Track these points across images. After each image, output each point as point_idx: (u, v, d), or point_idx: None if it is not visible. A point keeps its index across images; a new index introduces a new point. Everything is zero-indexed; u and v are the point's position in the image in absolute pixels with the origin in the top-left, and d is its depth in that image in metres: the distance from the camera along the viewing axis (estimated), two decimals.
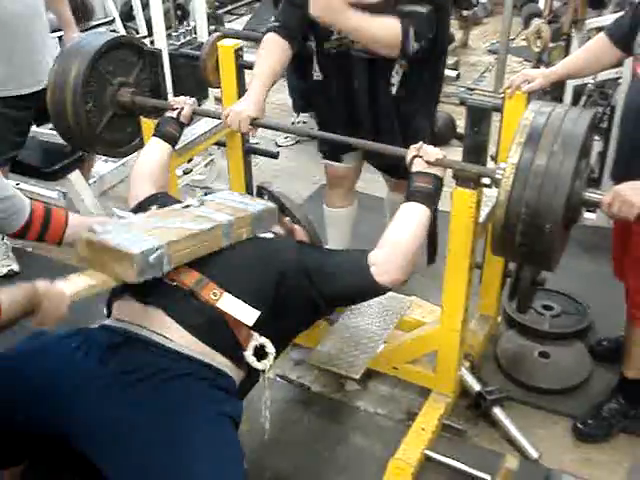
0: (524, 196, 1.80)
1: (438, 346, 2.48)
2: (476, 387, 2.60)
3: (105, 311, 1.92)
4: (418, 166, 2.06)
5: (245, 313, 1.80)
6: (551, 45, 5.00)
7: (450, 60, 4.82)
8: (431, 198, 2.04)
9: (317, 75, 2.74)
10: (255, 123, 2.46)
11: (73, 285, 1.66)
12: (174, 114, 2.47)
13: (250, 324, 1.80)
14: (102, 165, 4.19)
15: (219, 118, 2.55)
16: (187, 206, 2.15)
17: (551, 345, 2.92)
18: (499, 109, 2.44)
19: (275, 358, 1.88)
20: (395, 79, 2.58)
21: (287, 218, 2.29)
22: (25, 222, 1.90)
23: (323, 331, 2.68)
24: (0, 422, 1.63)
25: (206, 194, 3.66)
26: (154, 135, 2.46)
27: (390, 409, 2.70)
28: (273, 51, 2.55)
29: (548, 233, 1.81)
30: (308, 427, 2.64)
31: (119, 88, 2.62)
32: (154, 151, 2.42)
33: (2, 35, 3.03)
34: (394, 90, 2.60)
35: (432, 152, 2.06)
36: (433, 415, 2.48)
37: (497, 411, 2.57)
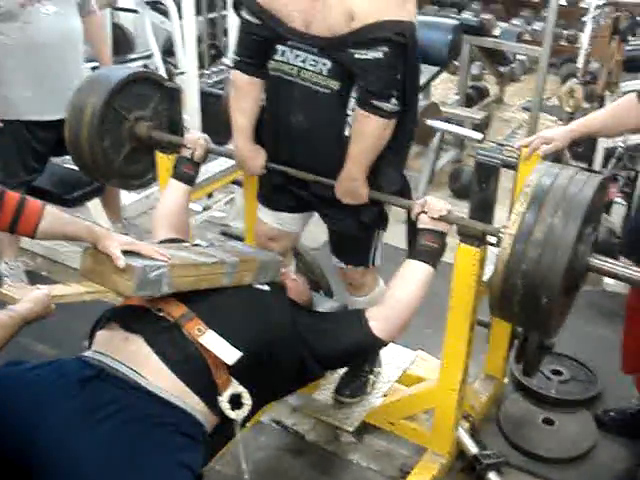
0: (521, 267, 1.76)
1: (435, 404, 2.41)
2: (473, 450, 2.52)
3: (86, 343, 1.91)
4: (424, 222, 2.06)
5: (226, 352, 1.77)
6: (585, 106, 4.97)
7: (479, 115, 4.79)
8: (436, 257, 2.07)
9: (262, 99, 2.37)
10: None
11: (58, 289, 1.70)
12: (188, 154, 2.47)
13: (230, 363, 1.76)
14: (125, 196, 4.21)
15: (233, 158, 2.54)
16: (196, 245, 2.18)
17: (556, 412, 2.83)
18: (513, 167, 2.40)
19: (252, 413, 1.84)
20: (351, 117, 2.18)
21: (287, 271, 2.32)
22: None
23: (322, 378, 2.64)
24: None
25: (222, 233, 3.70)
26: (172, 176, 2.47)
27: (383, 465, 2.63)
28: (245, 93, 2.32)
29: (545, 305, 1.77)
30: (299, 477, 2.58)
31: (136, 122, 2.63)
32: (171, 194, 2.44)
33: (36, 60, 3.11)
34: (347, 130, 2.21)
35: (437, 207, 2.05)
36: (426, 475, 2.41)
37: (492, 476, 2.48)
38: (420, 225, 2.06)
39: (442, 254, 2.08)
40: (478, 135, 4.30)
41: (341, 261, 2.49)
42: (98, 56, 3.54)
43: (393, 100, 2.08)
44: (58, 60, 3.15)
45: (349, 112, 2.18)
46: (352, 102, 2.17)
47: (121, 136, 2.63)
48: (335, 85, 2.14)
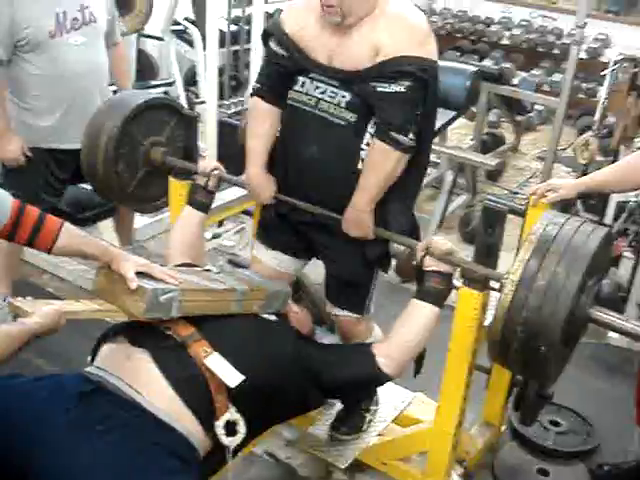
0: (522, 314, 1.75)
1: (429, 447, 2.40)
2: None
3: (89, 357, 1.92)
4: (429, 264, 2.07)
5: (230, 375, 1.80)
6: (599, 159, 4.98)
7: (493, 161, 4.81)
8: (442, 298, 2.09)
9: (278, 131, 2.39)
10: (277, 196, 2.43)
11: (70, 305, 1.80)
12: (203, 182, 2.49)
13: (232, 386, 1.78)
14: (136, 219, 4.24)
15: (245, 187, 2.56)
16: (207, 270, 2.20)
17: (552, 463, 2.81)
18: (520, 213, 2.42)
19: (245, 442, 1.85)
20: (364, 152, 2.21)
21: (290, 303, 2.34)
22: (12, 223, 1.85)
23: (318, 413, 2.63)
24: None
25: (229, 261, 3.72)
26: (187, 203, 2.49)
27: None
28: (262, 120, 2.36)
29: (544, 353, 1.76)
30: None
31: (151, 147, 2.66)
32: (186, 221, 2.47)
33: (62, 90, 3.15)
34: (360, 164, 2.22)
35: (441, 248, 2.05)
36: None
37: None
38: (426, 266, 2.07)
39: (448, 295, 2.10)
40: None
41: (335, 306, 2.48)
42: (118, 83, 3.59)
43: (410, 135, 2.12)
44: (84, 90, 3.19)
45: (363, 146, 2.21)
46: (367, 136, 2.20)
47: (136, 160, 2.66)
48: (352, 117, 2.18)
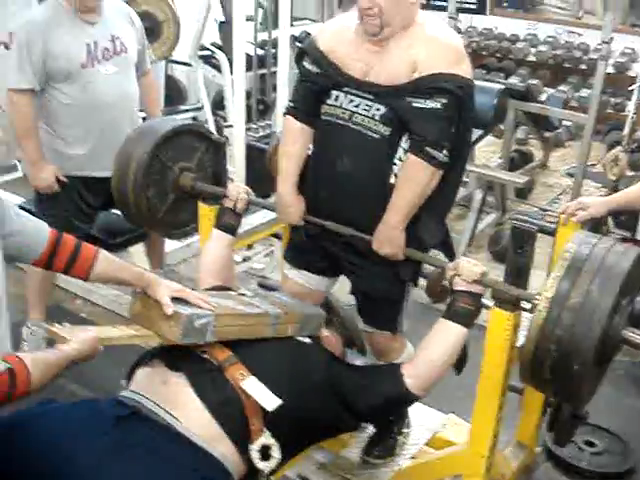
0: (555, 333, 1.75)
1: (463, 470, 2.37)
2: None
3: (124, 382, 1.94)
4: (459, 284, 2.06)
5: (267, 398, 1.81)
6: (629, 174, 4.93)
7: (522, 179, 4.79)
8: (471, 318, 2.07)
9: (310, 148, 2.40)
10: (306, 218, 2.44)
11: (106, 331, 1.84)
12: (231, 205, 2.52)
13: (270, 409, 1.79)
14: (166, 243, 4.28)
15: (274, 210, 2.58)
16: (242, 294, 2.22)
17: None
18: (550, 232, 2.40)
19: (278, 467, 1.85)
20: (397, 167, 2.22)
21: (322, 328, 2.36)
22: (49, 253, 1.89)
23: (350, 436, 2.62)
24: None
25: (260, 284, 3.73)
26: (215, 226, 2.52)
27: None
28: (294, 139, 2.38)
29: (577, 372, 1.75)
30: None
31: (181, 172, 2.70)
32: (215, 244, 2.49)
33: (93, 119, 3.20)
34: (392, 179, 2.23)
35: (471, 270, 2.04)
36: None
37: None
38: (455, 287, 2.07)
39: (477, 315, 2.09)
40: None
41: (367, 324, 2.49)
42: (147, 110, 3.63)
43: (445, 151, 2.13)
44: (115, 119, 3.23)
45: (396, 161, 2.21)
46: (400, 151, 2.21)
47: (166, 186, 2.70)
48: (386, 131, 2.19)
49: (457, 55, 2.15)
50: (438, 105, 2.09)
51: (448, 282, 2.10)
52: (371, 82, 2.18)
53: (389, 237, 2.23)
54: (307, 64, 2.31)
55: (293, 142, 2.39)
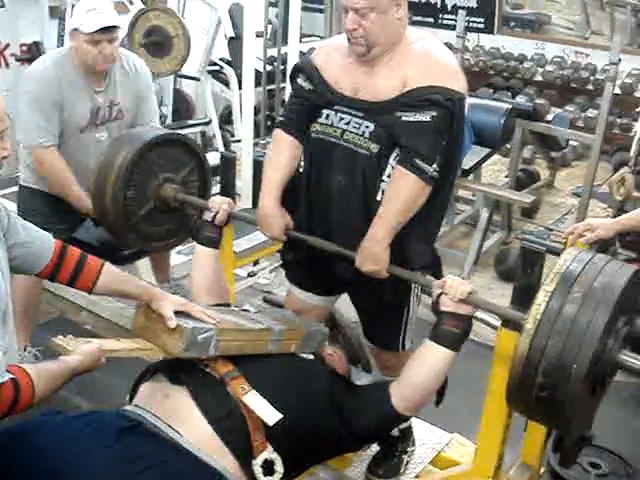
0: (541, 358, 1.66)
1: None
2: None
3: (127, 397, 1.94)
4: (446, 305, 1.99)
5: (268, 413, 1.80)
6: (636, 195, 4.93)
7: (528, 198, 4.79)
8: (458, 342, 2.01)
9: (301, 166, 2.36)
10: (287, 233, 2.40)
11: (109, 343, 1.84)
12: (210, 217, 2.48)
13: (270, 424, 1.79)
14: (172, 257, 4.28)
15: (255, 224, 2.51)
16: (245, 310, 2.22)
17: None
18: (557, 253, 2.39)
19: None
20: (385, 184, 2.19)
21: (326, 345, 2.33)
22: (55, 264, 1.90)
23: (355, 455, 2.60)
24: None
25: (265, 299, 3.72)
26: (197, 242, 2.50)
27: None
28: (281, 149, 2.36)
29: (565, 406, 1.68)
30: None
31: (163, 182, 2.68)
32: (201, 260, 2.47)
33: (78, 177, 3.09)
34: (379, 196, 2.20)
35: (458, 288, 1.98)
36: None
37: None
38: (442, 307, 2.00)
39: (465, 338, 2.02)
40: None
41: (369, 342, 2.49)
42: None
43: (435, 165, 2.11)
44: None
45: (385, 178, 2.19)
46: (389, 169, 2.19)
47: (147, 191, 2.68)
48: (374, 148, 2.18)
49: (448, 70, 2.15)
50: (427, 118, 2.08)
51: (434, 302, 2.03)
52: (361, 99, 2.20)
53: (372, 253, 2.18)
54: (301, 81, 2.33)
55: (281, 152, 2.36)
